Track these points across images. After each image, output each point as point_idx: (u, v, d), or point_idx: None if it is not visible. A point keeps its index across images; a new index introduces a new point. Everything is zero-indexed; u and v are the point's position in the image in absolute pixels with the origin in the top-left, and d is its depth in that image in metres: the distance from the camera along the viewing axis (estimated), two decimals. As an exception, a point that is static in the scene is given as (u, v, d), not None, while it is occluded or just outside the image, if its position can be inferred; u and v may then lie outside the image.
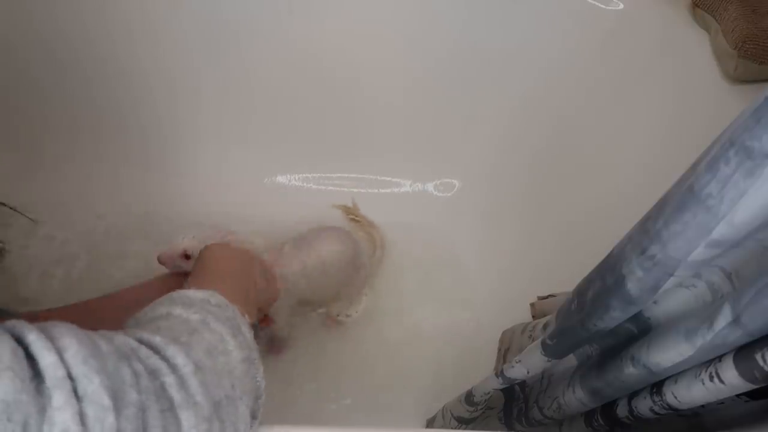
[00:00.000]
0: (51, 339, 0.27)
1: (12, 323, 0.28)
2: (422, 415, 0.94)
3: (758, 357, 0.41)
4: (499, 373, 0.69)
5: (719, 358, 0.45)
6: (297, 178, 1.18)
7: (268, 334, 0.96)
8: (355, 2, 1.03)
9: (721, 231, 0.40)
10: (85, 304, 0.61)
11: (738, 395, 0.48)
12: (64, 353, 0.27)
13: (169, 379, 0.32)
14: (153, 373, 0.31)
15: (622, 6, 0.97)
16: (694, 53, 0.89)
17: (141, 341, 0.33)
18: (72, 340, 0.28)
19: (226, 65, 1.07)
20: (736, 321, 0.41)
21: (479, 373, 0.81)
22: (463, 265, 1.13)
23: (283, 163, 1.17)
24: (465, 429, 0.82)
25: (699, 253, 0.42)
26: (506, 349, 0.89)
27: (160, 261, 0.72)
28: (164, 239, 0.64)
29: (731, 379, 0.43)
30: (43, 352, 0.27)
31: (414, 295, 1.10)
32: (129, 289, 0.65)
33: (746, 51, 0.81)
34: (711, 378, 0.45)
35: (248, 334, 0.42)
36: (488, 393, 0.74)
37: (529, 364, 0.65)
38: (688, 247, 0.42)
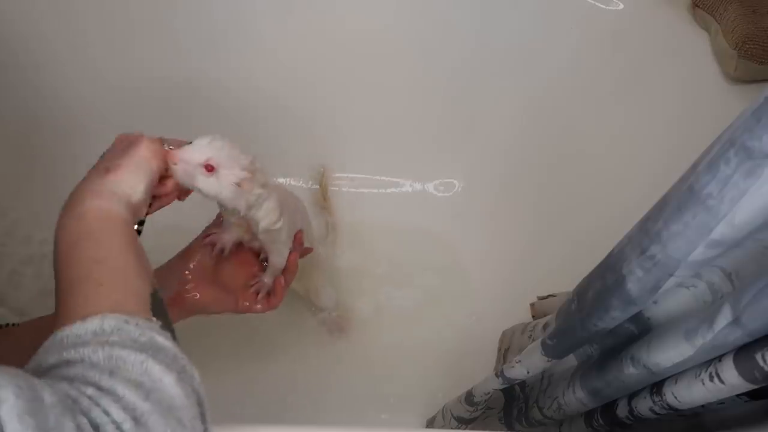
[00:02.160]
0: None
1: None
2: (422, 415, 0.94)
3: (758, 357, 0.41)
4: (499, 373, 0.69)
5: (719, 358, 0.45)
6: (296, 178, 1.18)
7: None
8: (354, 1, 1.03)
9: (721, 231, 0.40)
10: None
11: (738, 395, 0.48)
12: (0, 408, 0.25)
13: None
14: (96, 429, 0.29)
15: (622, 6, 0.97)
16: (694, 53, 0.89)
17: (100, 388, 0.30)
18: (9, 393, 0.26)
19: (225, 65, 1.07)
20: (736, 321, 0.41)
21: (479, 373, 0.81)
22: (462, 265, 1.13)
23: (282, 163, 1.16)
24: (465, 429, 0.82)
25: (699, 253, 0.42)
26: (506, 349, 0.89)
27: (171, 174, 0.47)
28: (148, 246, 0.47)
29: (731, 379, 0.43)
30: None
31: (414, 294, 1.10)
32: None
33: (746, 51, 0.81)
34: (711, 378, 0.45)
35: (168, 342, 0.36)
36: (488, 393, 0.74)
37: (529, 364, 0.65)
38: (688, 247, 0.42)
